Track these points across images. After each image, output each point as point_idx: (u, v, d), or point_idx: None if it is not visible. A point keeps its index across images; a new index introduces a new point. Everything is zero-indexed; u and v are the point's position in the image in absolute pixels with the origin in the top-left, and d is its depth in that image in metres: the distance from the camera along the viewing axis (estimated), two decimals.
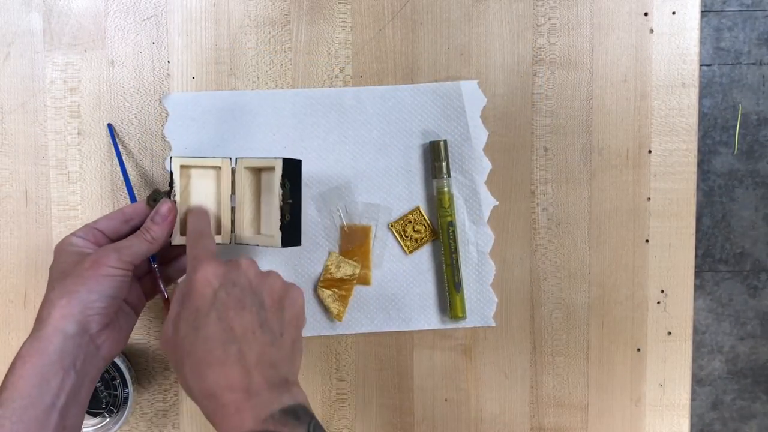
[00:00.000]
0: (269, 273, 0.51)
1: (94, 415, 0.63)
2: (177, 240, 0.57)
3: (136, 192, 0.64)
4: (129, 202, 0.62)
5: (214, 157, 0.58)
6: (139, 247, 0.55)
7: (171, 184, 0.58)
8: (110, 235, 0.57)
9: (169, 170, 0.58)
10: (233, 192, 0.59)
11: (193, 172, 0.59)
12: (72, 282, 0.50)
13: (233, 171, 0.59)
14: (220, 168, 0.59)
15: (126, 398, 0.61)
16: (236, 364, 0.45)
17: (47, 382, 0.48)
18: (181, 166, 0.58)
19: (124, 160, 0.63)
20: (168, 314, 0.50)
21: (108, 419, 0.62)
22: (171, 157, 0.58)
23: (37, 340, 0.49)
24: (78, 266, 0.52)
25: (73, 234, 0.55)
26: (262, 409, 0.44)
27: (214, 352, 0.46)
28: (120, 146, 0.64)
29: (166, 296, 0.59)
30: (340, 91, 0.65)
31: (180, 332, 0.48)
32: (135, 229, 0.57)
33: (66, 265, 0.53)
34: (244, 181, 0.58)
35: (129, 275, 0.53)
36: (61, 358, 0.48)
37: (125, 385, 0.61)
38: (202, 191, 0.59)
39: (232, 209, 0.59)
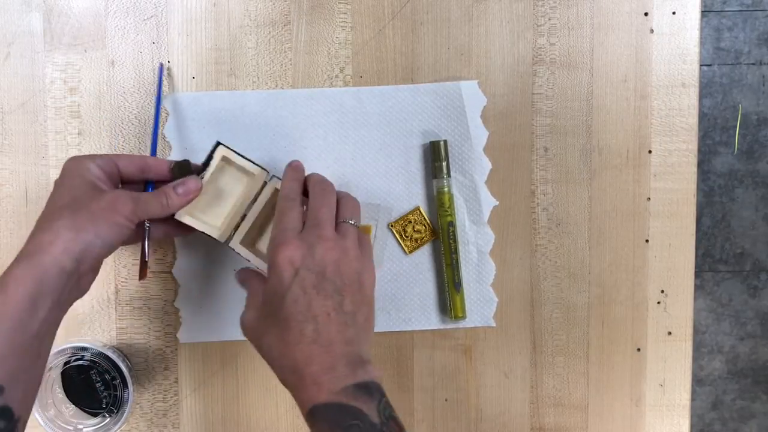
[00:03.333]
0: (346, 252, 0.52)
1: (94, 415, 0.63)
2: (184, 218, 0.57)
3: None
4: (150, 147, 0.61)
5: (255, 164, 0.59)
6: (154, 208, 0.55)
7: (206, 165, 0.58)
8: (124, 176, 0.56)
9: (209, 151, 0.58)
10: (253, 201, 0.59)
11: (228, 166, 0.60)
12: (83, 219, 0.50)
13: (264, 184, 0.59)
14: (254, 175, 0.59)
15: (126, 398, 0.61)
16: (314, 342, 0.48)
17: (36, 311, 0.48)
18: (222, 156, 0.58)
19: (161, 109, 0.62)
20: (248, 299, 0.54)
21: (108, 419, 0.62)
22: (217, 142, 0.58)
23: (35, 267, 0.48)
24: (93, 203, 0.51)
25: (91, 159, 0.54)
26: (337, 382, 0.47)
27: (292, 331, 0.49)
28: (164, 90, 0.63)
29: (147, 260, 0.58)
30: (341, 91, 0.65)
31: (262, 312, 0.52)
32: (146, 182, 0.58)
33: (79, 192, 0.52)
34: (267, 197, 0.59)
35: (133, 229, 0.54)
36: (53, 290, 0.49)
37: (125, 385, 0.61)
38: (227, 187, 0.60)
39: (244, 216, 0.59)
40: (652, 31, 0.65)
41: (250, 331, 0.53)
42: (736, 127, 1.53)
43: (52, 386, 0.62)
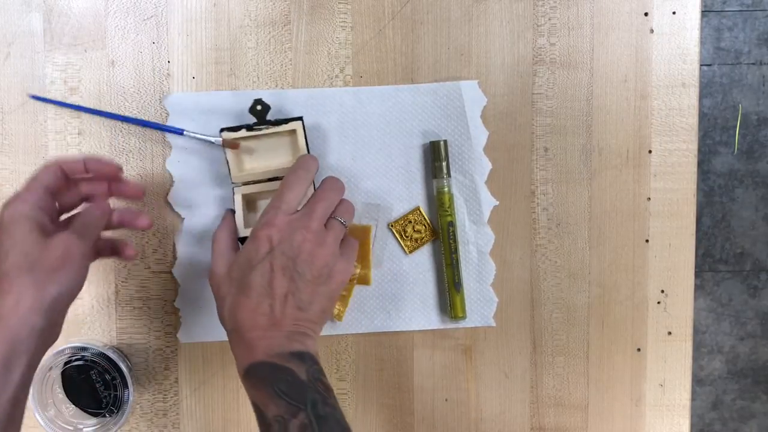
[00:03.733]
0: (324, 245, 0.55)
1: (94, 415, 0.63)
2: (229, 136, 0.61)
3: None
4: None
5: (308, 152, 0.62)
6: (97, 222, 0.55)
7: (277, 123, 0.61)
8: (53, 191, 0.54)
9: (287, 117, 0.62)
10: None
11: (292, 137, 0.62)
12: (42, 274, 0.49)
13: None
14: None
15: (126, 398, 0.61)
16: (264, 315, 0.53)
17: (10, 374, 0.47)
18: (294, 129, 0.61)
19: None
20: (218, 248, 0.58)
21: (108, 419, 0.62)
22: (300, 117, 0.62)
23: (4, 331, 0.47)
24: (45, 254, 0.50)
25: (24, 202, 0.51)
26: (274, 348, 0.52)
27: (250, 300, 0.53)
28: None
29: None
30: (341, 91, 0.65)
31: (232, 273, 0.55)
32: (71, 183, 0.56)
33: (27, 245, 0.50)
34: None
35: (92, 261, 0.55)
36: (26, 350, 0.48)
37: (125, 385, 0.61)
38: (280, 150, 0.63)
39: (270, 180, 0.62)
40: (652, 31, 0.65)
41: (216, 285, 0.56)
42: (736, 127, 1.53)
43: (52, 386, 0.62)
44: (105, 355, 0.61)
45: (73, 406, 0.63)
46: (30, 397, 0.58)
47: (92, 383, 0.62)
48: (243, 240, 0.60)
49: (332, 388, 0.53)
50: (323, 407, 0.51)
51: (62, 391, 0.63)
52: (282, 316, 0.53)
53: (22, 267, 0.49)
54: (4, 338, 0.47)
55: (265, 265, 0.54)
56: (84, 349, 0.61)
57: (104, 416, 0.62)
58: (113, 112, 0.64)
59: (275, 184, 0.61)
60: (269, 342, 0.52)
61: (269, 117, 0.62)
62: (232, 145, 0.61)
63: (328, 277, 0.55)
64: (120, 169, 0.58)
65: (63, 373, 0.62)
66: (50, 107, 0.64)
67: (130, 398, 0.61)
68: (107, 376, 0.62)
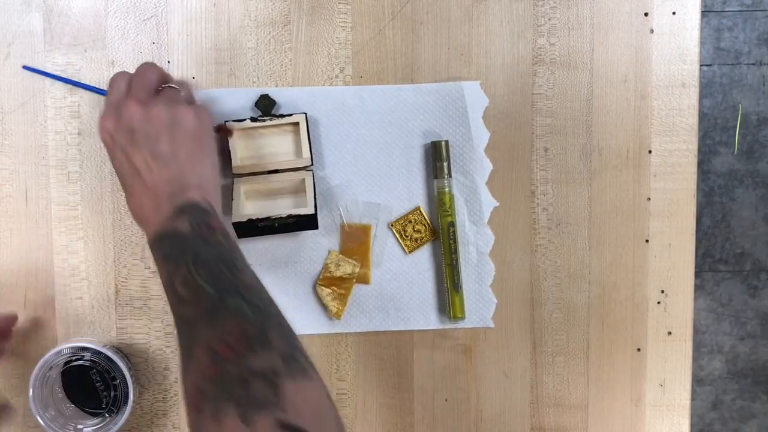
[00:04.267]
0: (153, 103, 0.55)
1: (95, 415, 0.63)
2: (233, 127, 0.62)
3: None
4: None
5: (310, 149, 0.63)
6: None
7: (282, 116, 0.63)
8: None
9: (289, 113, 0.64)
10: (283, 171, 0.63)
11: (295, 130, 0.63)
12: None
13: (302, 168, 0.64)
14: (301, 156, 0.63)
15: (126, 398, 0.61)
16: (142, 192, 0.54)
17: None
18: (297, 122, 0.63)
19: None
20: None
21: (108, 419, 0.62)
22: (305, 113, 0.64)
23: None
24: None
25: None
26: (161, 215, 0.52)
27: (127, 189, 0.55)
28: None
29: None
30: (342, 89, 0.65)
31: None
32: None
33: None
34: (292, 177, 0.63)
35: None
36: None
37: (125, 385, 0.61)
38: (280, 142, 0.64)
39: (269, 172, 0.63)
40: (652, 31, 0.65)
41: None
42: (736, 127, 1.53)
43: (52, 386, 0.62)
44: (105, 355, 0.61)
45: (73, 405, 0.63)
46: (29, 397, 0.58)
47: (92, 383, 0.62)
48: (236, 225, 0.61)
49: (223, 226, 0.52)
50: (205, 250, 0.49)
51: (62, 391, 0.63)
52: (154, 181, 0.53)
53: None
54: None
55: (117, 153, 0.55)
56: (84, 349, 0.61)
57: (104, 416, 0.62)
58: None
59: (275, 177, 0.62)
60: (157, 213, 0.52)
61: (274, 112, 0.63)
62: (225, 131, 0.62)
63: (175, 124, 0.55)
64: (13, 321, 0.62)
65: (63, 373, 0.62)
66: (50, 107, 0.64)
67: (131, 398, 0.61)
68: (107, 376, 0.62)
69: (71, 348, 0.61)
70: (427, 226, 0.66)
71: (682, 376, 0.67)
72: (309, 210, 0.60)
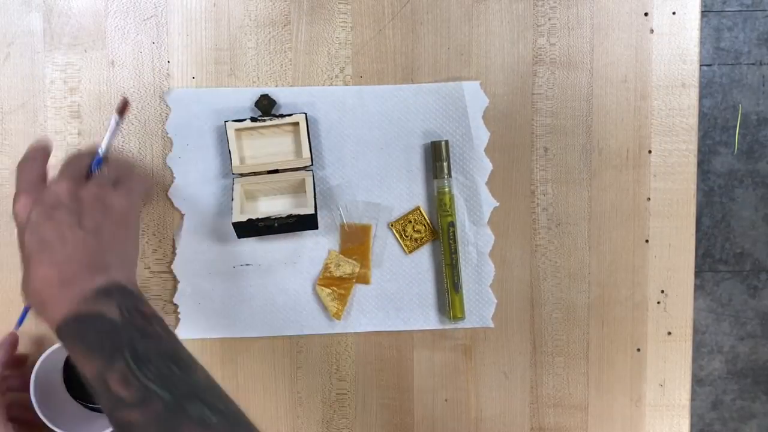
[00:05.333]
0: (85, 183, 0.50)
1: (97, 410, 0.63)
2: (231, 129, 0.62)
3: None
4: None
5: (310, 149, 0.59)
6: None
7: (282, 116, 0.63)
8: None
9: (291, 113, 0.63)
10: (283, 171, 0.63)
11: (296, 129, 0.63)
12: None
13: (301, 168, 0.63)
14: (301, 156, 0.63)
15: None
16: (49, 264, 0.46)
17: None
18: (297, 122, 0.62)
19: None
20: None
21: None
22: (305, 113, 0.62)
23: None
24: None
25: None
26: (76, 294, 0.45)
27: (32, 261, 0.47)
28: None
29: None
30: (342, 89, 0.65)
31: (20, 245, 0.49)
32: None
33: None
34: (292, 177, 0.63)
35: None
36: None
37: None
38: (282, 141, 0.64)
39: (270, 172, 0.63)
40: (652, 31, 0.65)
41: (22, 288, 0.49)
42: (736, 127, 1.53)
43: (53, 382, 0.62)
44: None
45: (75, 402, 0.63)
46: (31, 393, 0.58)
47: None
48: (236, 225, 0.60)
49: (157, 313, 0.47)
50: (143, 343, 0.43)
51: (63, 388, 0.63)
52: (68, 255, 0.47)
53: None
54: None
55: (30, 227, 0.48)
56: None
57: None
58: (113, 112, 0.64)
59: (275, 177, 0.62)
60: (68, 291, 0.45)
61: (274, 112, 0.63)
62: (122, 109, 0.56)
63: (104, 205, 0.49)
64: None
65: (65, 369, 0.62)
66: (50, 107, 0.64)
67: None
68: None
69: None
70: (427, 226, 0.65)
71: (682, 376, 0.67)
72: (309, 210, 0.60)
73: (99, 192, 0.50)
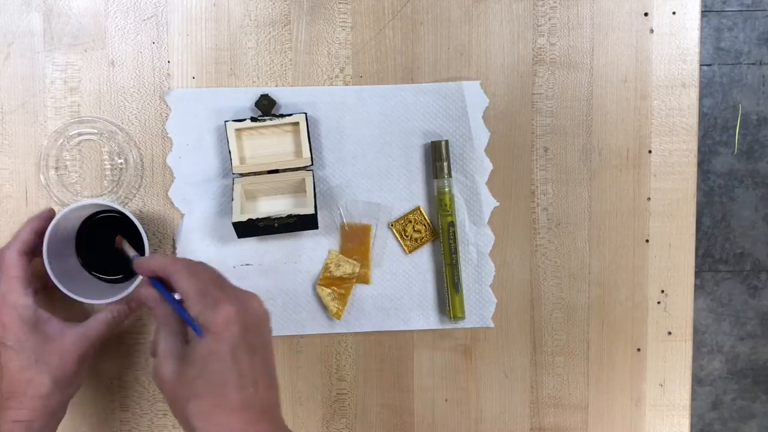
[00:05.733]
0: (265, 309, 0.50)
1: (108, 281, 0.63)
2: (231, 129, 0.61)
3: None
4: None
5: (310, 149, 0.61)
6: (101, 333, 0.57)
7: (283, 116, 0.61)
8: (36, 246, 0.57)
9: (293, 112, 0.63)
10: (283, 171, 0.63)
11: (296, 130, 0.63)
12: (49, 382, 0.52)
13: (301, 168, 0.63)
14: (301, 156, 0.62)
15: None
16: (251, 408, 0.45)
17: None
18: (297, 122, 0.62)
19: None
20: (164, 349, 0.48)
21: (121, 285, 0.62)
22: (305, 113, 0.62)
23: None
24: (47, 357, 0.52)
25: (19, 285, 0.54)
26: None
27: (229, 396, 0.45)
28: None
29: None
30: (343, 89, 0.65)
31: (187, 373, 0.46)
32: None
33: (28, 343, 0.53)
34: (292, 177, 0.63)
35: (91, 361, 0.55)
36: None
37: (142, 246, 0.59)
38: (281, 140, 0.63)
39: (270, 172, 0.63)
40: (652, 31, 0.65)
41: (171, 390, 0.47)
42: (736, 127, 1.53)
43: (64, 249, 0.61)
44: (123, 213, 0.59)
45: (86, 271, 0.63)
46: (44, 257, 0.57)
47: (110, 245, 0.61)
48: (236, 224, 0.60)
49: None
50: None
51: (75, 257, 0.63)
52: (263, 398, 0.46)
53: (31, 370, 0.52)
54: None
55: (234, 351, 0.46)
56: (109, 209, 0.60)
57: (117, 283, 0.62)
58: (113, 113, 0.64)
59: (275, 177, 0.62)
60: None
61: (274, 112, 0.63)
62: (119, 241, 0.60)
63: (269, 342, 0.50)
64: None
65: (77, 238, 0.62)
66: (50, 107, 0.64)
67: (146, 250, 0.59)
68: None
69: (92, 204, 0.59)
70: (427, 226, 0.65)
71: (682, 376, 0.67)
72: (309, 210, 0.60)
73: (269, 319, 0.50)
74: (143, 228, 0.58)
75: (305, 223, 0.61)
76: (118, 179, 0.62)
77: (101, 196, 0.63)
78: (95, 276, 0.63)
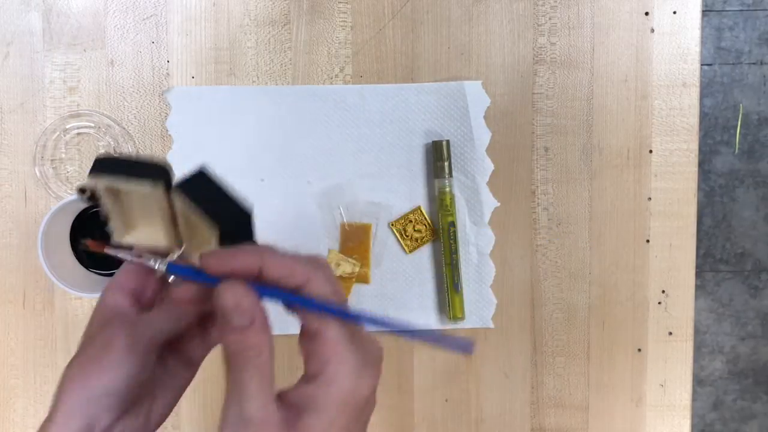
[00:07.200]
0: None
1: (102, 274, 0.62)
2: (123, 239, 0.45)
3: None
4: None
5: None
6: (162, 323, 0.43)
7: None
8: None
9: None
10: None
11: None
12: (78, 367, 0.40)
13: (162, 195, 0.41)
14: (150, 191, 0.42)
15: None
16: None
17: None
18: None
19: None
20: (263, 418, 0.35)
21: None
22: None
23: None
24: (90, 343, 0.41)
25: (115, 285, 0.43)
26: None
27: None
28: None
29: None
30: (344, 88, 0.65)
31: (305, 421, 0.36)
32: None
33: (93, 329, 0.42)
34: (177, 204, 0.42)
35: (151, 357, 0.42)
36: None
37: None
38: (148, 204, 0.43)
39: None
40: (652, 30, 0.65)
41: None
42: (737, 126, 1.53)
43: (59, 242, 0.61)
44: None
45: (80, 266, 0.62)
46: (39, 249, 0.56)
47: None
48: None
49: None
50: None
51: (70, 250, 0.62)
52: None
53: (77, 354, 0.41)
54: None
55: (360, 426, 0.39)
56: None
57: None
58: (112, 113, 0.64)
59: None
60: None
61: (135, 157, 0.42)
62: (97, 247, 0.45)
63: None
64: None
65: (72, 232, 0.62)
66: (49, 107, 0.64)
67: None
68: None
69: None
70: (427, 225, 0.65)
71: (683, 376, 0.67)
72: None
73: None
74: None
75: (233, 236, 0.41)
76: None
77: None
78: (90, 270, 0.63)
